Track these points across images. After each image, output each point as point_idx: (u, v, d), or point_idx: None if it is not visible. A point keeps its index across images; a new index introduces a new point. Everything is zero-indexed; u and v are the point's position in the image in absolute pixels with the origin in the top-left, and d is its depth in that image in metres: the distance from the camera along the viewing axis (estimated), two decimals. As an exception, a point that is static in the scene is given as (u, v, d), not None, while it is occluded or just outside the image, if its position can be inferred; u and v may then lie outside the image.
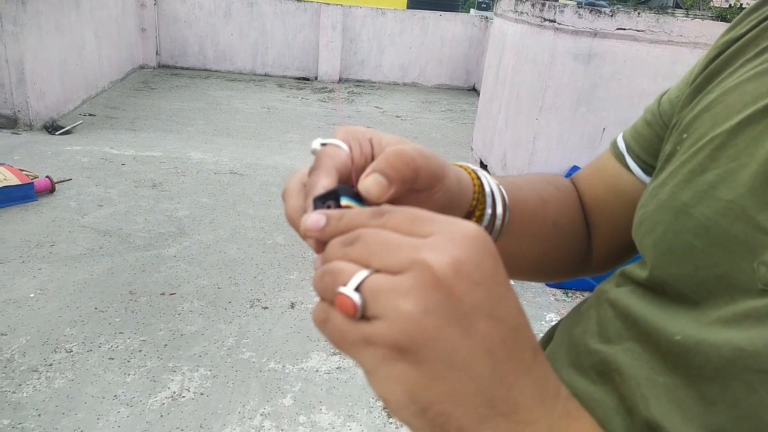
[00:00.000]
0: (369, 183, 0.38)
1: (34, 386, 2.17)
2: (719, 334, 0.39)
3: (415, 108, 7.71)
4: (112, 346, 2.43)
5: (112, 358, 2.36)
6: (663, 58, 3.03)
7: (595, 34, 3.05)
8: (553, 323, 2.42)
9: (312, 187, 0.38)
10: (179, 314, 2.68)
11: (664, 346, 0.43)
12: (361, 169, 0.40)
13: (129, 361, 2.35)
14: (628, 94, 3.12)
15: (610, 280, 0.56)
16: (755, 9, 0.50)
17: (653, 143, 0.57)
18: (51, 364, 2.29)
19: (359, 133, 0.43)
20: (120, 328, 2.55)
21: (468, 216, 0.48)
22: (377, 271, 0.31)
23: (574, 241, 0.63)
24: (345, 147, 0.41)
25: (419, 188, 0.41)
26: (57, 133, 5.13)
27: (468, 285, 0.30)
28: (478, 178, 0.49)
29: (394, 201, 0.42)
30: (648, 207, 0.49)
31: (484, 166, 4.37)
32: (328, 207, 0.37)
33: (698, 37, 2.99)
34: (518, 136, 3.64)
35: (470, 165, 0.50)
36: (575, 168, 3.30)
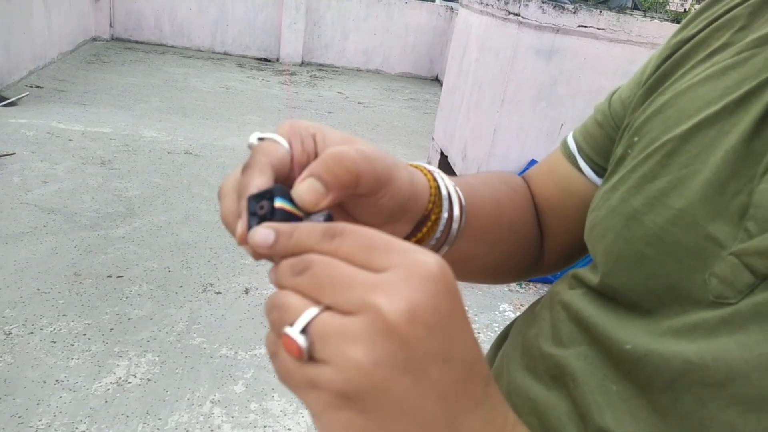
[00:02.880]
0: (303, 189, 0.35)
1: (-31, 369, 2.06)
2: (669, 346, 0.39)
3: (377, 95, 7.66)
4: (54, 329, 2.33)
5: (55, 342, 2.26)
6: (621, 57, 3.09)
7: (557, 30, 3.08)
8: (507, 313, 2.45)
9: (244, 187, 0.35)
10: (127, 298, 2.60)
11: (616, 354, 0.43)
12: (303, 168, 0.37)
13: (72, 345, 2.26)
14: (586, 91, 3.17)
15: (563, 280, 0.55)
16: (705, 9, 0.50)
17: (604, 145, 0.56)
18: (-12, 347, 2.18)
19: (303, 128, 0.39)
20: (63, 310, 2.45)
21: (424, 219, 0.45)
22: (328, 307, 0.29)
23: (528, 242, 0.62)
24: (284, 143, 0.38)
25: (362, 194, 0.38)
26: (0, 104, 4.88)
27: (423, 332, 0.28)
28: (435, 180, 0.46)
29: (335, 205, 0.40)
30: (599, 212, 0.49)
31: (444, 156, 4.39)
32: (261, 208, 0.35)
33: (656, 38, 3.05)
34: (479, 128, 3.66)
35: (427, 166, 0.48)
36: (533, 161, 3.35)
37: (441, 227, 0.46)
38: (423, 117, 6.75)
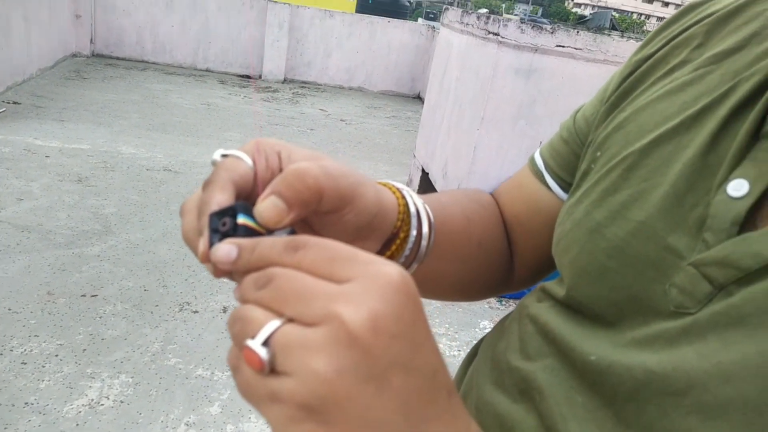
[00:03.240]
0: (265, 207, 0.35)
1: (-66, 393, 2.00)
2: (632, 356, 0.39)
3: (360, 113, 7.69)
4: (25, 350, 2.27)
5: (25, 363, 2.20)
6: (598, 77, 3.14)
7: (536, 49, 3.12)
8: (487, 330, 2.44)
9: (205, 204, 0.35)
10: (101, 317, 2.54)
11: (581, 366, 0.43)
12: (266, 184, 0.37)
13: (44, 366, 2.20)
14: (564, 110, 3.21)
15: (532, 294, 0.56)
16: (665, 27, 0.52)
17: (570, 161, 0.57)
18: (-46, 369, 2.12)
19: (268, 145, 0.39)
20: (35, 330, 2.39)
21: (393, 237, 0.46)
22: (290, 320, 0.29)
23: (498, 259, 0.62)
24: (248, 160, 0.38)
25: (325, 211, 0.38)
26: (-25, 119, 4.80)
27: (385, 340, 0.28)
28: (403, 197, 0.47)
29: (299, 222, 0.40)
30: (564, 226, 0.49)
31: (426, 174, 4.40)
32: (224, 224, 0.34)
33: (632, 58, 3.11)
34: (459, 146, 3.68)
35: (396, 184, 0.48)
36: (513, 179, 3.37)
37: (410, 245, 0.47)
38: (405, 134, 6.78)
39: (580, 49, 3.08)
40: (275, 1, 8.68)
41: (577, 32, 3.07)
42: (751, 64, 0.42)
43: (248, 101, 7.29)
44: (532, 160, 0.63)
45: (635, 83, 0.50)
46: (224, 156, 0.38)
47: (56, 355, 2.27)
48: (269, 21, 8.47)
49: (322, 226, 0.41)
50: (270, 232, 0.35)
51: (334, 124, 6.84)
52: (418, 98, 9.17)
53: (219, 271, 0.34)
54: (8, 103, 5.45)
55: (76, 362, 2.25)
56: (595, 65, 3.12)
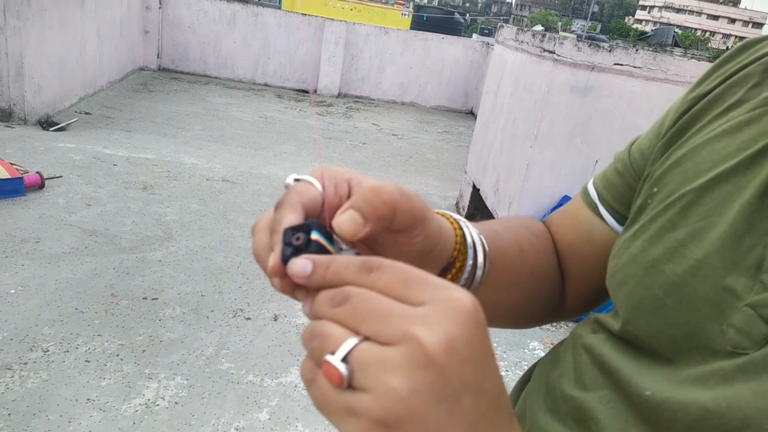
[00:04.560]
0: (343, 220, 0.37)
1: (7, 385, 2.13)
2: (687, 393, 0.40)
3: (412, 127, 7.75)
4: (89, 348, 2.39)
5: (89, 361, 2.32)
6: (659, 96, 3.07)
7: (592, 67, 3.09)
8: (536, 352, 2.41)
9: (277, 223, 0.37)
10: (160, 320, 2.65)
11: (636, 400, 0.43)
12: (334, 210, 0.40)
13: (105, 365, 2.31)
14: (622, 129, 3.15)
15: (586, 324, 0.56)
16: (720, 65, 0.52)
17: (625, 193, 0.58)
18: (26, 363, 2.25)
19: (338, 173, 0.42)
20: (99, 330, 2.52)
21: (449, 266, 0.47)
22: (366, 338, 0.31)
23: (550, 288, 0.63)
24: (318, 185, 0.40)
25: (398, 229, 0.40)
26: (51, 129, 5.11)
27: (458, 363, 0.29)
28: (460, 228, 0.48)
29: (372, 240, 0.42)
30: (620, 259, 0.50)
31: (477, 190, 4.39)
32: (297, 239, 0.36)
33: (693, 77, 3.02)
34: (512, 162, 3.66)
35: (452, 215, 0.50)
36: (566, 198, 3.32)
37: (465, 274, 0.48)
38: (456, 150, 6.78)
39: (640, 67, 3.03)
40: (332, 19, 8.89)
41: (636, 50, 3.02)
42: None
43: (303, 115, 7.46)
44: (585, 191, 0.63)
45: (692, 120, 0.51)
46: (296, 180, 0.41)
47: (117, 355, 2.38)
48: (326, 37, 8.67)
49: (389, 250, 0.43)
50: (339, 251, 0.38)
51: (386, 139, 6.91)
52: (471, 114, 9.16)
53: (286, 286, 0.36)
54: (80, 113, 5.78)
55: (135, 362, 2.35)
56: (655, 84, 3.05)
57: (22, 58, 4.96)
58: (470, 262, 0.48)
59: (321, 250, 0.36)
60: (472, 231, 0.49)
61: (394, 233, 0.41)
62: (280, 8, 11.86)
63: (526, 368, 2.66)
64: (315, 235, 0.36)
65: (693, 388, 0.40)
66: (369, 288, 0.32)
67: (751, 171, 0.43)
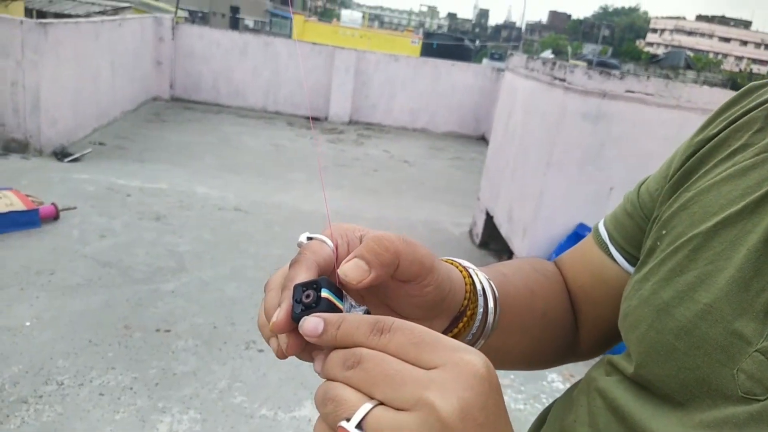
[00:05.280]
0: (349, 267, 0.38)
1: (23, 418, 2.12)
2: None
3: (423, 153, 7.77)
4: (103, 382, 2.38)
5: (103, 394, 2.31)
6: (671, 122, 3.06)
7: (604, 95, 3.09)
8: (555, 384, 2.36)
9: (290, 281, 0.38)
10: (173, 352, 2.64)
11: None
12: None
13: (119, 399, 2.30)
14: (636, 155, 3.14)
15: (599, 366, 0.56)
16: (724, 110, 0.53)
17: (635, 235, 0.58)
18: (41, 396, 2.24)
19: (349, 230, 0.43)
20: (113, 363, 2.51)
21: (460, 315, 0.48)
22: (380, 403, 0.31)
23: (562, 330, 0.63)
24: (330, 243, 0.41)
25: (405, 278, 0.41)
26: (66, 160, 5.18)
27: (473, 428, 0.30)
28: (470, 275, 0.49)
29: (384, 293, 0.42)
30: (631, 301, 0.50)
31: (490, 217, 4.38)
32: (308, 297, 0.37)
33: (706, 103, 3.02)
34: (525, 189, 3.65)
35: (460, 261, 0.50)
36: (581, 225, 3.30)
37: (477, 322, 0.49)
38: (468, 176, 6.78)
39: (652, 94, 3.03)
40: (342, 47, 9.01)
41: (648, 78, 3.02)
42: None
43: (315, 143, 7.52)
44: (597, 231, 0.64)
45: (698, 164, 0.52)
46: (309, 238, 0.42)
47: (131, 388, 2.37)
48: (336, 65, 8.78)
49: (402, 301, 0.43)
50: (349, 308, 0.38)
51: (398, 165, 6.94)
52: (483, 139, 9.19)
53: (293, 345, 0.36)
54: (95, 144, 5.86)
55: (149, 396, 2.33)
56: (668, 111, 3.05)
57: (39, 90, 5.06)
58: (481, 309, 0.48)
59: (331, 307, 0.37)
60: (481, 278, 0.49)
61: (404, 284, 0.41)
62: (290, 38, 12.05)
63: (544, 401, 2.63)
64: (325, 293, 0.37)
65: None
66: (381, 350, 0.32)
67: (756, 215, 0.43)
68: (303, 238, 0.42)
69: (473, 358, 0.31)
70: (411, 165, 7.06)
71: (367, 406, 0.30)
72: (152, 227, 4.00)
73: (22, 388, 2.27)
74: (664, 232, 0.50)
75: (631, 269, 0.59)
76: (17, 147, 5.17)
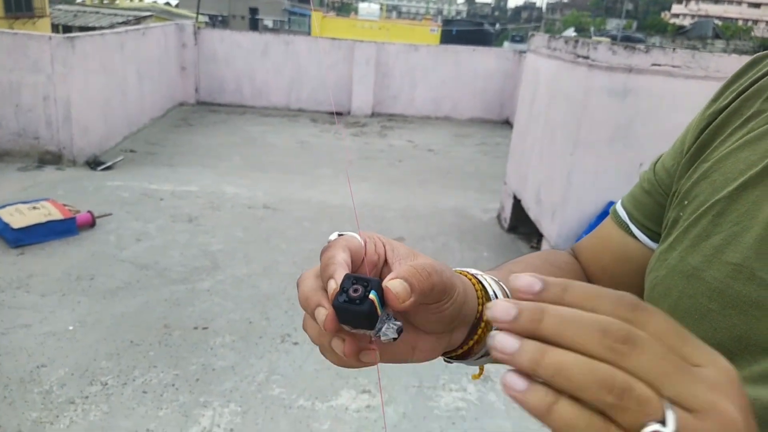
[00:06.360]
0: (395, 284, 0.38)
1: (71, 418, 2.20)
2: (750, 392, 0.40)
3: (448, 141, 7.73)
4: (146, 380, 2.45)
5: (146, 392, 2.37)
6: (700, 93, 2.97)
7: (630, 70, 3.03)
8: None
9: (331, 260, 0.39)
10: (211, 349, 2.70)
11: None
12: (373, 264, 0.42)
13: (162, 395, 2.36)
14: (665, 129, 3.07)
15: None
16: (732, 82, 0.55)
17: (655, 211, 0.60)
18: (87, 397, 2.32)
19: (375, 235, 0.45)
20: (154, 361, 2.58)
21: (477, 322, 0.48)
22: (671, 401, 0.26)
23: None
24: (359, 238, 0.42)
25: (432, 301, 0.42)
26: (99, 168, 5.31)
27: None
28: (479, 282, 0.49)
29: (410, 314, 0.43)
30: (659, 272, 0.51)
31: (518, 201, 4.34)
32: (356, 291, 0.37)
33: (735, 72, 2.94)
34: (552, 171, 3.60)
35: (468, 270, 0.51)
36: (611, 203, 3.25)
37: (495, 327, 0.48)
38: (494, 161, 6.73)
39: (678, 66, 2.95)
40: (362, 41, 9.00)
41: (674, 50, 2.95)
42: None
43: (338, 137, 7.54)
44: (615, 212, 0.65)
45: (713, 135, 0.53)
46: (340, 235, 0.43)
47: (173, 385, 2.43)
48: (356, 59, 8.78)
49: (421, 318, 0.44)
50: (386, 317, 0.39)
51: (422, 155, 6.92)
52: (507, 123, 9.09)
53: (350, 347, 0.37)
54: (126, 151, 5.99)
55: (190, 391, 2.39)
56: (696, 82, 2.97)
57: (69, 102, 5.20)
58: None
59: (372, 311, 0.37)
60: (491, 283, 0.50)
61: (428, 306, 0.42)
62: (310, 34, 12.09)
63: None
64: (372, 295, 0.37)
65: (752, 388, 0.40)
66: (650, 336, 0.27)
67: None
68: (334, 235, 0.43)
69: (726, 362, 0.28)
70: (436, 153, 7.03)
71: (670, 411, 0.26)
72: (185, 229, 4.08)
73: (69, 389, 2.35)
74: (686, 202, 0.52)
75: (653, 245, 0.60)
76: (52, 159, 5.32)
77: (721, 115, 0.53)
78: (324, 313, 0.38)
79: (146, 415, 2.24)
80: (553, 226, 3.49)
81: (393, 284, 0.38)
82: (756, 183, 0.45)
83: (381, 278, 0.40)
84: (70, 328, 2.78)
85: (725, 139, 0.52)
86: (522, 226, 4.38)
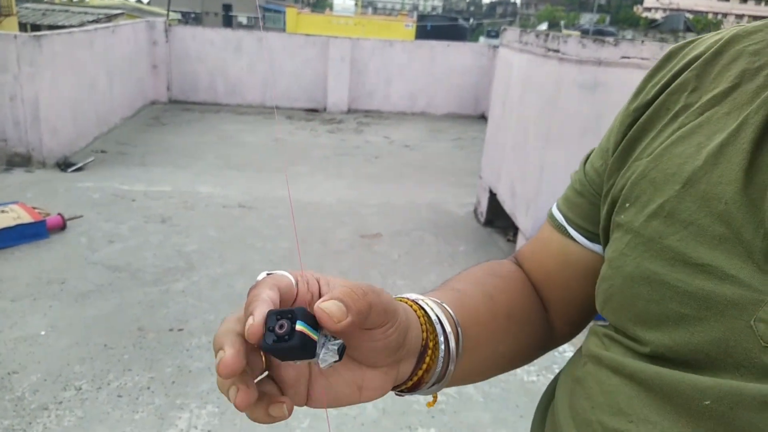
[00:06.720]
0: (330, 305, 0.38)
1: (44, 424, 2.16)
2: (749, 386, 0.38)
3: (423, 137, 7.75)
4: (120, 384, 2.42)
5: (121, 396, 2.34)
6: (668, 85, 3.03)
7: (599, 63, 3.06)
8: (566, 354, 2.35)
9: (255, 297, 0.38)
10: (187, 350, 2.67)
11: (695, 412, 0.41)
12: (306, 303, 0.41)
13: (137, 399, 2.33)
14: (634, 122, 3.12)
15: (596, 343, 0.52)
16: (653, 75, 0.54)
17: (589, 212, 0.58)
18: (61, 402, 2.28)
19: (307, 273, 0.43)
20: (128, 365, 2.54)
21: (425, 349, 0.47)
22: None
23: (532, 325, 0.62)
24: (291, 277, 0.41)
25: (373, 326, 0.41)
26: (69, 170, 5.21)
27: None
28: (421, 308, 0.48)
29: (348, 340, 0.41)
30: (614, 280, 0.48)
31: (493, 195, 4.37)
32: (281, 327, 0.36)
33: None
34: (526, 164, 3.64)
35: (408, 295, 0.50)
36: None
37: (442, 352, 0.48)
38: (470, 156, 6.76)
39: (648, 59, 3.00)
40: (336, 36, 8.97)
41: (643, 42, 2.99)
42: (752, 99, 0.44)
43: (314, 134, 7.51)
44: (551, 216, 0.64)
45: (641, 131, 0.52)
46: (269, 274, 0.42)
47: (148, 388, 2.40)
48: (331, 55, 8.75)
49: (365, 348, 0.43)
50: (324, 338, 0.38)
51: (399, 151, 6.92)
52: (483, 118, 9.13)
53: (242, 397, 0.37)
54: (96, 152, 5.89)
55: (166, 394, 2.37)
56: (664, 74, 3.02)
57: (38, 103, 5.09)
58: (441, 337, 0.48)
59: (306, 342, 0.36)
60: (433, 307, 0.49)
61: (368, 331, 0.41)
62: (284, 31, 12.00)
63: (556, 371, 2.61)
64: (300, 326, 0.36)
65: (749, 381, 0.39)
66: None
67: (718, 167, 0.43)
68: (262, 275, 0.42)
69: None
70: (412, 149, 7.05)
71: None
72: (159, 229, 4.03)
73: (42, 395, 2.31)
74: (627, 205, 0.49)
75: (592, 246, 0.58)
76: (20, 161, 5.21)
77: (648, 111, 0.52)
78: (221, 356, 0.36)
79: (122, 419, 2.21)
80: (527, 219, 3.53)
81: (326, 305, 0.37)
82: (699, 178, 0.44)
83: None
84: (42, 333, 2.73)
85: (656, 136, 0.50)
86: (498, 220, 4.42)
